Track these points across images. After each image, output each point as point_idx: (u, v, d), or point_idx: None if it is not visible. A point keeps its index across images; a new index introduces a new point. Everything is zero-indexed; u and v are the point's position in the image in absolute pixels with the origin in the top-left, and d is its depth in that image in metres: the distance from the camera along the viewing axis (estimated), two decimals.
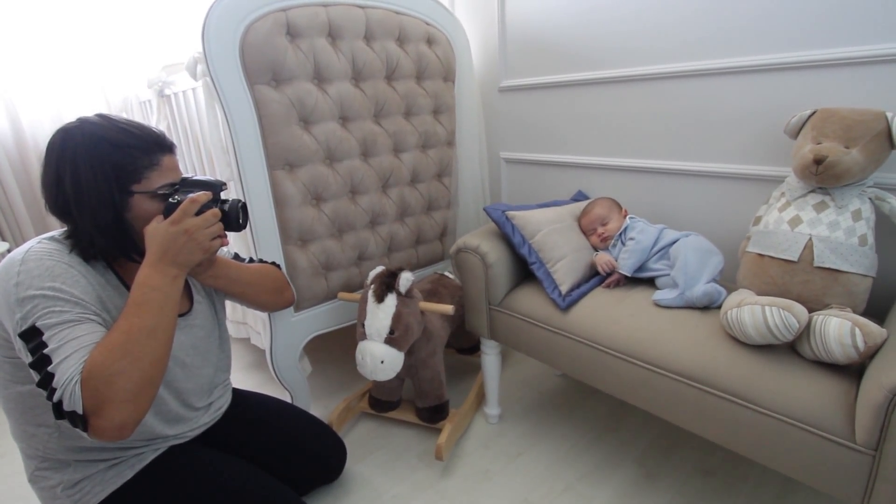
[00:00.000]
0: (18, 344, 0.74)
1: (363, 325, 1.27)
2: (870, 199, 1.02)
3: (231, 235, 1.11)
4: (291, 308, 1.39)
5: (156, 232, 0.80)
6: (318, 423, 1.25)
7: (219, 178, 1.35)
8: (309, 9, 1.28)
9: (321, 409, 1.62)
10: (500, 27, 1.75)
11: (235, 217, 0.87)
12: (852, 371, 0.88)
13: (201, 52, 1.15)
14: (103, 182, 0.79)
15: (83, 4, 2.34)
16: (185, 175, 0.90)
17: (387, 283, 1.27)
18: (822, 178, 1.00)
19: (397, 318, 1.25)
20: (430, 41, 1.58)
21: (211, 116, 1.32)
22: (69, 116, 2.28)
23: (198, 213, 0.82)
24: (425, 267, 1.77)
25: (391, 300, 1.25)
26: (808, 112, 1.09)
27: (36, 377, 0.72)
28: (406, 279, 1.27)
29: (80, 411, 0.69)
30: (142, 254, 0.82)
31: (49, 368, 0.71)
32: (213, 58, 1.15)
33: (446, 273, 1.68)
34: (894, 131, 0.97)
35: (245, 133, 1.23)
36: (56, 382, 0.70)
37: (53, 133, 0.81)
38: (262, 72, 1.23)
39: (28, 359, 0.73)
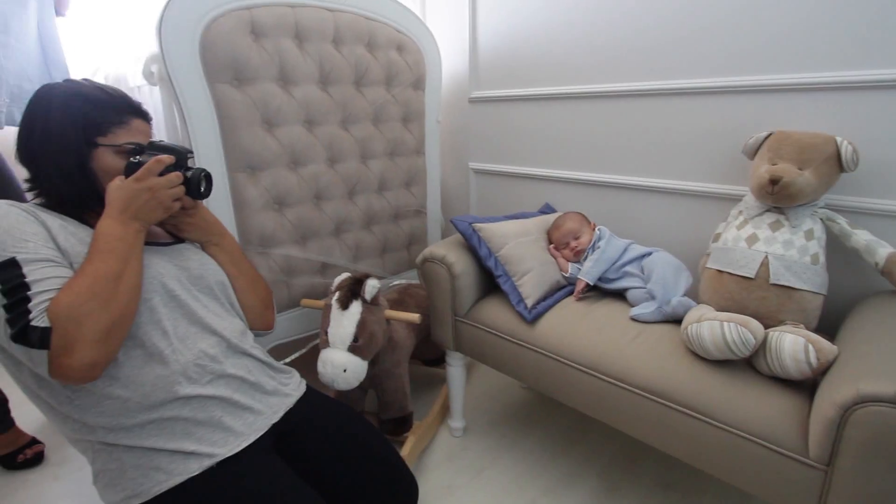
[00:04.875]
0: None
1: (326, 333, 1.23)
2: (821, 219, 1.06)
3: None
4: None
5: (119, 188, 0.80)
6: (391, 464, 0.99)
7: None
8: (275, 8, 1.24)
9: None
10: (471, 39, 1.75)
11: (197, 184, 0.88)
12: (806, 387, 0.91)
13: (158, 51, 1.10)
14: (71, 130, 0.81)
15: None
16: (153, 140, 0.89)
17: (352, 290, 1.23)
18: (778, 197, 1.03)
19: (362, 325, 1.21)
20: (400, 48, 1.57)
21: (169, 117, 1.26)
22: None
23: (160, 175, 0.82)
24: (392, 276, 1.74)
25: (356, 307, 1.22)
26: (765, 134, 1.13)
27: (1, 300, 0.70)
28: (372, 286, 1.24)
29: (46, 339, 0.69)
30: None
31: (29, 293, 0.70)
32: (170, 54, 1.10)
33: (413, 283, 1.66)
34: (843, 155, 1.02)
35: (203, 133, 1.18)
36: (32, 306, 0.69)
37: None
38: (224, 70, 1.18)
39: None
